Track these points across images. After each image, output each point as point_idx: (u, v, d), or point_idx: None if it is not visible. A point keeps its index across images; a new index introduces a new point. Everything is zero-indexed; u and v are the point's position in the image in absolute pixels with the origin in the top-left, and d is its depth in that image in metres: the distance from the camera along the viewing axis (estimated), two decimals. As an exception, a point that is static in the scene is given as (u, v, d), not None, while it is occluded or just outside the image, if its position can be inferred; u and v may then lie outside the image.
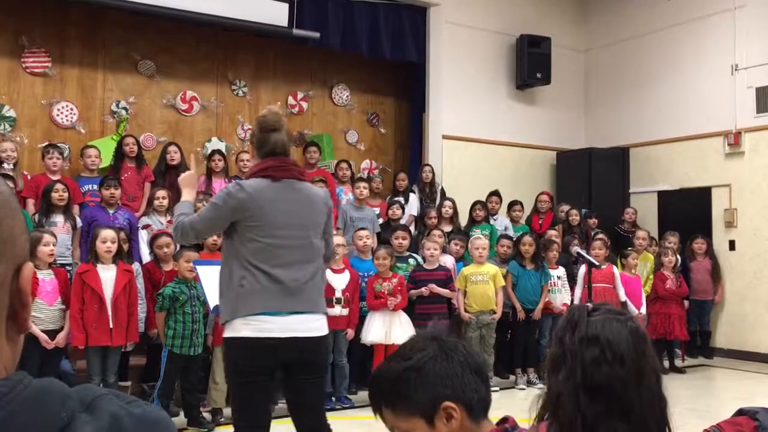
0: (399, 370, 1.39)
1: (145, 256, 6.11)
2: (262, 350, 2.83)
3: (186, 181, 3.20)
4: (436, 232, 6.97)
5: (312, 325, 2.93)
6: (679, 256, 8.20)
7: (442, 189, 8.51)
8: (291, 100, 8.75)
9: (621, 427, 1.33)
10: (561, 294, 7.07)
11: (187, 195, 3.15)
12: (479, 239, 6.78)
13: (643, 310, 7.20)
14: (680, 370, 7.57)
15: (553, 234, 7.76)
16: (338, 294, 5.90)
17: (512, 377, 6.93)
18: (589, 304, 1.45)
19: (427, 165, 8.52)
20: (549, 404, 1.38)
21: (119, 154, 7.00)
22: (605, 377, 1.34)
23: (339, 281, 5.96)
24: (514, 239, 7.26)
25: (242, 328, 2.84)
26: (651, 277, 7.75)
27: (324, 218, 3.08)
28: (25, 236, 0.73)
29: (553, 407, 1.37)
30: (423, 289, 6.28)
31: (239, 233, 2.90)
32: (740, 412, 1.83)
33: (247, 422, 2.95)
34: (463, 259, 7.01)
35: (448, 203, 7.87)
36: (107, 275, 5.08)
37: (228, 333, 2.90)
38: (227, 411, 5.45)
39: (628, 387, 1.34)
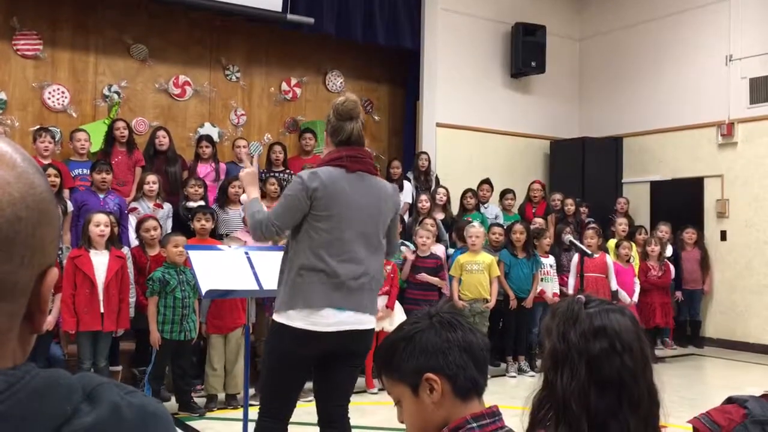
0: (393, 340, 1.48)
1: (132, 241, 6.07)
2: (311, 341, 2.81)
3: (248, 180, 3.12)
4: (429, 220, 6.97)
5: (363, 318, 2.91)
6: (670, 246, 8.22)
7: (437, 177, 8.50)
8: (284, 86, 8.70)
9: (632, 418, 1.32)
10: (551, 283, 7.09)
11: (254, 192, 3.06)
12: (473, 227, 6.77)
13: (635, 299, 7.23)
14: (660, 359, 7.60)
15: (541, 222, 7.76)
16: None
17: (503, 365, 6.96)
18: (581, 297, 1.44)
19: (424, 153, 8.49)
20: (556, 407, 1.36)
21: (110, 138, 6.96)
22: (615, 369, 1.33)
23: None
24: (505, 228, 7.27)
25: (296, 317, 2.80)
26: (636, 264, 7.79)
27: (391, 215, 3.03)
28: (56, 242, 0.72)
29: (560, 409, 1.35)
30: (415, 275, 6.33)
31: (307, 221, 2.83)
32: (729, 400, 1.85)
33: (273, 409, 2.91)
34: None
35: (442, 190, 7.87)
36: (99, 260, 5.05)
37: (280, 319, 2.85)
38: (221, 397, 5.46)
39: (636, 377, 1.34)
